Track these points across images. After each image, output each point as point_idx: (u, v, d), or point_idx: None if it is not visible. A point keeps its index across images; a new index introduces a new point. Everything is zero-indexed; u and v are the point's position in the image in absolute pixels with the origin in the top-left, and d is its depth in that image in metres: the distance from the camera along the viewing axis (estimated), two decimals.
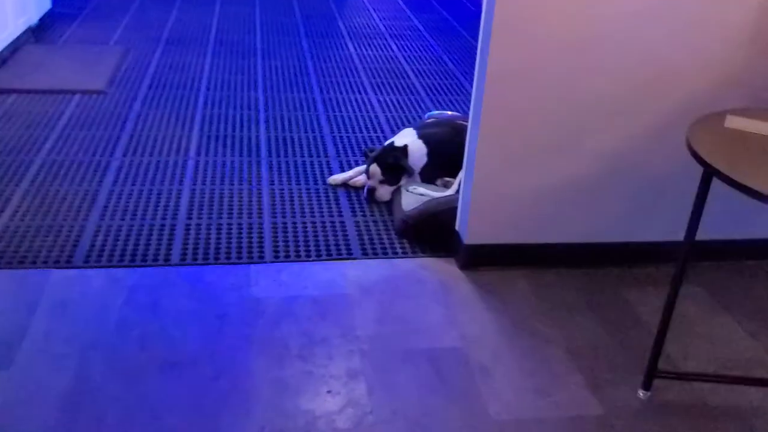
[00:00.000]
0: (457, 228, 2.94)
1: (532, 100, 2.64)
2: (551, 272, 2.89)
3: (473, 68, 5.23)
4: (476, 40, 5.63)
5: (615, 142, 2.74)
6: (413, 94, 4.80)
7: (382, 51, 5.67)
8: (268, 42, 5.66)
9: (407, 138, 3.42)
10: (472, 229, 2.82)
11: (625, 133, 2.73)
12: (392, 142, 3.40)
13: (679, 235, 2.85)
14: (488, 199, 2.78)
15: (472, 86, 4.86)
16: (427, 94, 4.81)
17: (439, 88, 4.95)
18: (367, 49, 5.68)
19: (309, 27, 6.19)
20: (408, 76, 5.16)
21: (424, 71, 5.24)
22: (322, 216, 3.23)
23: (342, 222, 3.19)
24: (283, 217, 3.20)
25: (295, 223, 3.15)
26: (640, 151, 2.77)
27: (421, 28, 6.43)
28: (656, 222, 2.87)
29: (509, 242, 2.85)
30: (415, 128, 3.48)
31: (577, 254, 2.89)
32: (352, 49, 5.64)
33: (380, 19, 6.72)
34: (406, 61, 5.50)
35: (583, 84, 2.62)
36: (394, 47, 5.76)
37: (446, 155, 3.41)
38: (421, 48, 5.82)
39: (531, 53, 2.55)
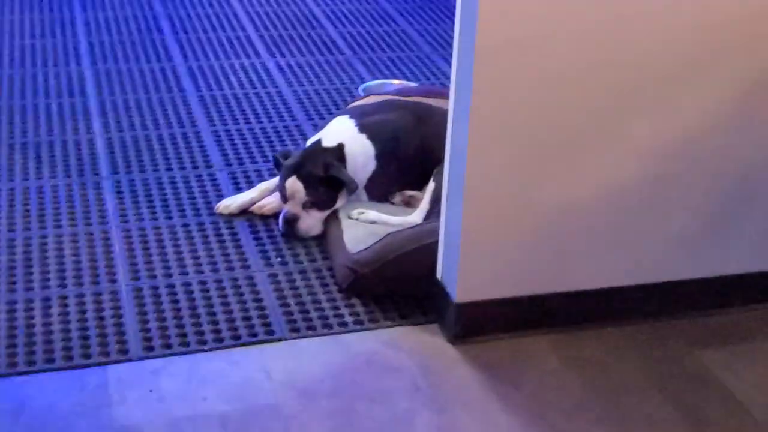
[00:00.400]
0: (439, 277, 2.73)
1: (545, 78, 2.46)
2: (590, 334, 2.72)
3: (444, 31, 5.03)
4: None
5: (670, 129, 2.61)
6: (332, 53, 4.56)
7: (285, 2, 5.41)
8: None
9: (342, 132, 3.18)
10: (465, 279, 2.61)
11: (688, 112, 2.58)
12: (318, 141, 3.16)
13: None
14: (487, 230, 2.58)
15: (429, 48, 4.66)
16: (355, 53, 4.58)
17: (374, 44, 4.72)
18: None
19: None
20: (322, 26, 4.91)
21: (352, 24, 5.00)
22: (216, 270, 2.95)
23: (249, 277, 2.93)
24: (152, 277, 2.91)
25: (171, 285, 2.87)
26: (714, 137, 2.62)
27: None
28: (738, 245, 2.76)
29: (523, 294, 2.67)
30: (352, 116, 3.24)
31: (625, 302, 2.75)
32: None
33: None
34: (326, 17, 5.26)
35: (620, 45, 2.45)
36: None
37: (406, 156, 3.19)
38: None
39: (544, 6, 2.37)
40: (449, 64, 4.48)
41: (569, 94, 2.50)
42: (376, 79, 4.27)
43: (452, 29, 4.93)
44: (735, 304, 2.84)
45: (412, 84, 4.07)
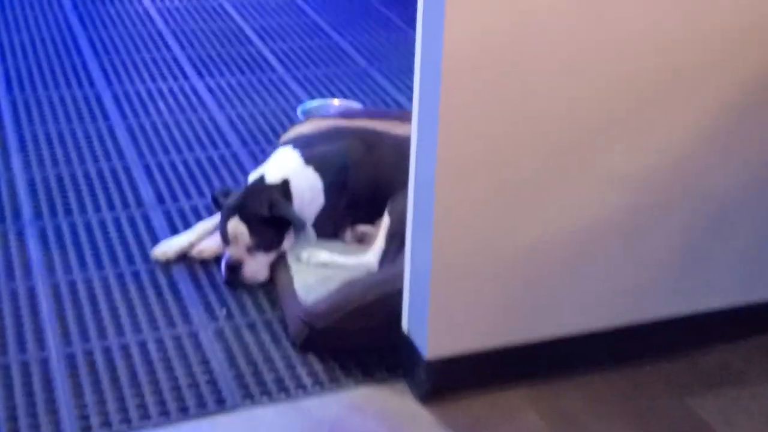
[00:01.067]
0: (405, 330, 2.41)
1: (522, 100, 2.17)
2: (573, 385, 2.44)
3: (379, 43, 4.68)
4: (386, 7, 5.08)
5: (646, 157, 2.36)
6: (264, 71, 4.19)
7: (212, 18, 5.00)
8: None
9: (287, 166, 2.82)
10: (435, 332, 2.31)
11: (663, 139, 2.32)
12: (261, 177, 2.80)
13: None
14: (459, 275, 2.28)
15: (365, 62, 4.31)
16: (288, 70, 4.22)
17: (308, 60, 4.36)
18: (180, 14, 4.99)
19: None
20: (251, 42, 4.53)
21: (283, 39, 4.63)
22: (156, 327, 2.58)
23: (193, 335, 2.56)
24: (85, 340, 2.52)
25: (108, 349, 2.49)
26: (691, 163, 2.37)
27: None
28: (720, 277, 2.52)
29: (498, 345, 2.37)
30: (296, 147, 2.88)
31: (605, 347, 2.48)
32: (154, 13, 4.94)
33: None
34: (240, 14, 4.87)
35: (592, 73, 2.18)
36: (233, 13, 5.10)
37: (356, 189, 2.85)
38: (282, 11, 5.21)
39: (519, 17, 2.08)
40: (388, 79, 4.18)
41: (542, 124, 2.21)
42: (313, 98, 3.91)
43: (387, 41, 4.66)
44: (720, 342, 2.56)
45: (355, 104, 3.72)
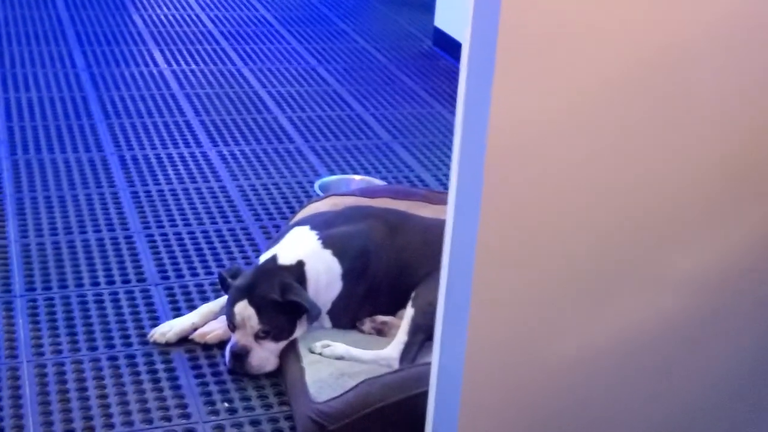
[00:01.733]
0: None
1: (572, 190, 1.93)
2: None
3: (403, 117, 4.49)
4: (411, 79, 4.91)
5: (715, 258, 2.08)
6: (281, 141, 3.98)
7: (214, 62, 4.83)
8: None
9: (303, 247, 2.59)
10: None
11: (735, 236, 2.07)
12: (274, 257, 2.56)
13: None
14: (495, 380, 2.02)
15: (387, 135, 4.12)
16: (306, 141, 4.01)
17: (327, 131, 4.16)
18: (185, 62, 4.82)
19: (84, 27, 5.26)
20: (269, 110, 4.34)
21: (302, 108, 4.44)
22: (149, 420, 2.33)
23: (190, 429, 2.31)
24: None
25: None
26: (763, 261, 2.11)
27: (272, 20, 5.66)
28: None
29: None
30: (313, 227, 2.65)
31: None
32: (160, 61, 4.77)
33: (204, 8, 5.91)
34: (258, 80, 4.69)
35: (657, 159, 1.95)
36: (233, 55, 4.94)
37: (378, 275, 2.62)
38: (279, 56, 5.04)
39: (572, 99, 1.86)
40: (411, 154, 3.97)
41: (594, 216, 1.96)
42: (332, 171, 3.70)
43: (411, 115, 4.47)
44: None
45: (376, 180, 3.50)
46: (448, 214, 2.02)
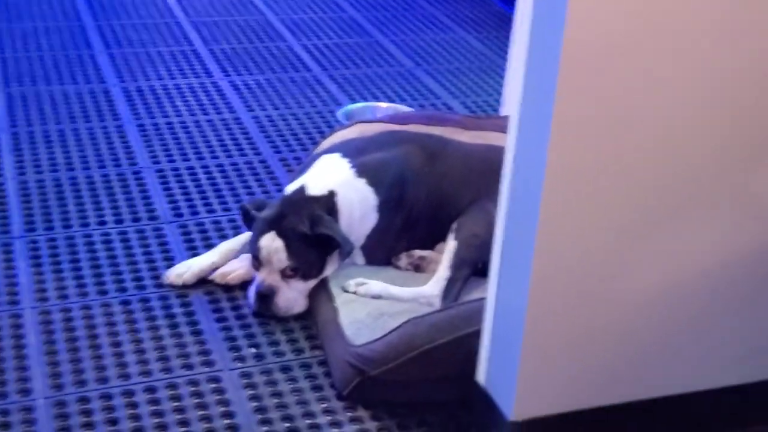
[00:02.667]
0: (482, 382, 1.95)
1: (651, 107, 1.72)
2: None
3: (426, 43, 4.24)
4: (432, 4, 4.66)
5: None
6: (297, 70, 3.75)
7: (237, 11, 4.58)
8: None
9: (334, 176, 2.38)
10: (524, 386, 1.86)
11: None
12: (302, 188, 2.35)
13: None
14: (561, 317, 1.82)
15: (410, 62, 3.87)
16: (324, 69, 3.78)
17: (346, 59, 3.92)
18: (202, 5, 4.58)
19: None
20: (283, 38, 4.10)
21: (318, 36, 4.20)
22: (169, 369, 2.13)
23: (214, 379, 2.11)
24: (79, 383, 2.07)
25: (107, 396, 2.04)
26: None
27: None
28: None
29: (604, 404, 1.90)
30: (345, 154, 2.43)
31: (727, 409, 2.01)
32: (173, 2, 4.53)
33: None
34: (269, 7, 4.45)
35: (739, 68, 1.73)
36: (261, 5, 4.69)
37: (416, 206, 2.40)
38: (315, 5, 4.79)
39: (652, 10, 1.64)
40: (437, 81, 3.73)
41: (673, 136, 1.75)
42: (354, 100, 3.47)
43: (434, 41, 4.22)
44: None
45: (404, 107, 3.27)
46: (509, 135, 1.80)
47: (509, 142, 1.79)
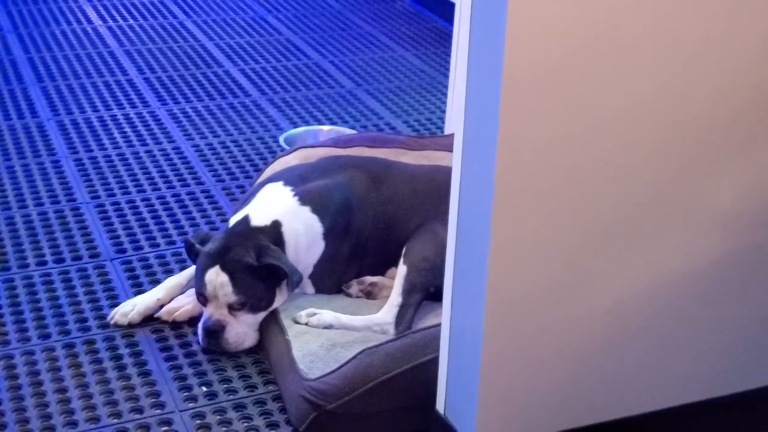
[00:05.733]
0: (441, 411, 1.92)
1: (601, 120, 1.70)
2: None
3: (364, 62, 4.22)
4: (368, 23, 4.63)
5: (758, 192, 1.87)
6: (236, 95, 3.70)
7: (153, 16, 4.51)
8: None
9: (277, 205, 2.33)
10: (485, 413, 1.83)
11: None
12: (246, 218, 2.30)
13: None
14: (520, 337, 1.79)
15: (350, 83, 3.85)
16: (263, 93, 3.73)
17: (285, 82, 3.88)
18: (121, 17, 4.50)
19: None
20: (219, 63, 4.04)
21: (255, 60, 4.15)
22: (118, 414, 2.07)
23: (166, 422, 2.04)
24: None
25: None
26: None
27: None
28: None
29: (569, 428, 1.87)
30: (287, 182, 2.39)
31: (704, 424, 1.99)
32: (94, 17, 4.45)
33: None
34: (204, 33, 4.39)
35: (693, 75, 1.74)
36: (173, 7, 4.63)
37: (363, 231, 2.37)
38: (224, 6, 4.73)
39: (599, 16, 1.62)
40: (378, 100, 3.70)
41: (625, 151, 1.73)
42: (295, 124, 3.43)
43: (373, 60, 4.18)
44: None
45: (347, 130, 3.23)
46: (455, 156, 1.77)
47: (455, 162, 1.76)
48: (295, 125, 3.41)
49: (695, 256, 1.86)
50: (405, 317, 2.21)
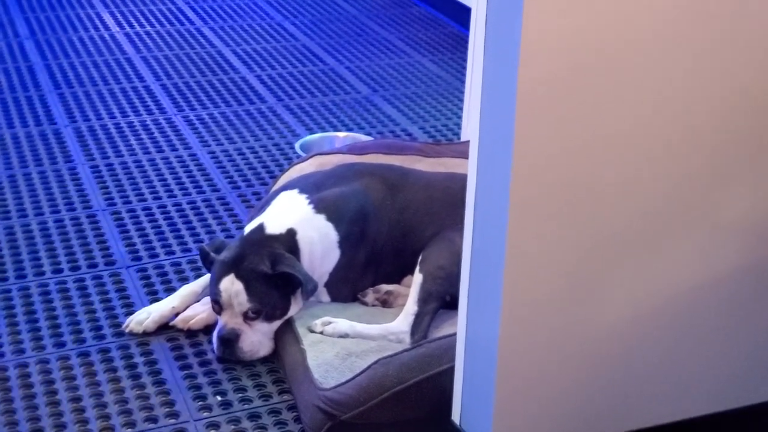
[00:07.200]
0: (457, 421, 1.90)
1: (616, 133, 1.68)
2: None
3: (381, 68, 4.21)
4: (385, 29, 4.62)
5: None
6: (252, 102, 3.69)
7: (170, 22, 4.52)
8: None
9: (292, 213, 2.32)
10: (501, 423, 1.80)
11: None
12: (261, 226, 2.28)
13: None
14: (536, 349, 1.77)
15: (366, 89, 3.84)
16: (279, 100, 3.72)
17: (301, 88, 3.87)
18: (138, 24, 4.50)
19: None
20: (236, 69, 4.04)
21: (272, 66, 4.14)
22: (132, 423, 2.05)
23: (180, 430, 2.04)
24: None
25: None
26: None
27: None
28: None
29: None
30: (302, 190, 2.38)
31: None
32: (111, 24, 4.45)
33: None
34: (220, 39, 4.39)
35: (710, 87, 1.71)
36: (189, 13, 4.63)
37: (379, 240, 2.35)
38: (241, 12, 4.73)
39: (615, 23, 1.60)
40: (394, 106, 3.68)
41: (641, 162, 1.71)
42: (312, 130, 3.41)
43: (389, 66, 4.17)
44: None
45: (362, 136, 3.22)
46: (471, 164, 1.75)
47: (470, 170, 1.75)
48: (311, 131, 3.40)
49: (710, 266, 1.83)
50: (421, 326, 2.19)
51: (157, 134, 3.39)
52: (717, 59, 1.69)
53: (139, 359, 2.25)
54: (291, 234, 2.27)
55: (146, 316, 2.34)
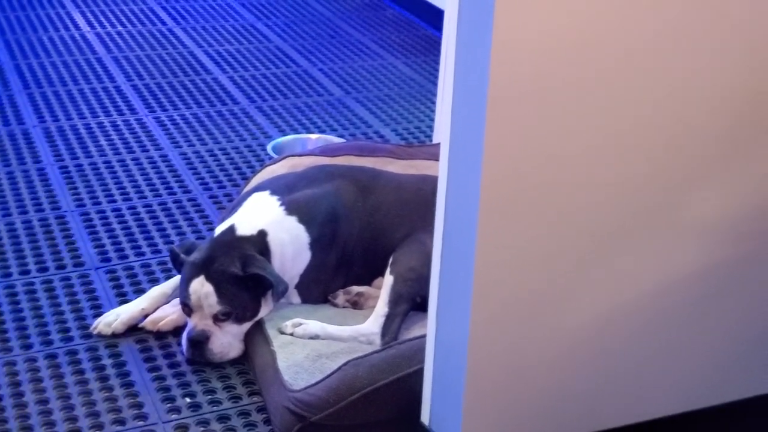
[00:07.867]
0: (426, 422, 1.90)
1: (587, 132, 1.69)
2: None
3: (353, 70, 4.20)
4: (358, 30, 4.62)
5: (741, 200, 1.86)
6: (225, 103, 3.68)
7: (141, 23, 4.50)
8: None
9: (263, 214, 2.32)
10: (471, 424, 1.79)
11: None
12: (231, 228, 2.28)
13: None
14: (506, 348, 1.78)
15: (339, 90, 3.84)
16: (252, 101, 3.71)
17: (274, 90, 3.86)
18: (109, 24, 4.48)
19: None
20: (208, 71, 4.03)
21: (244, 68, 4.13)
22: (100, 426, 2.04)
23: None
24: None
25: None
26: None
27: None
28: None
29: None
30: (273, 191, 2.37)
31: None
32: (82, 23, 4.43)
33: None
34: (192, 40, 4.37)
35: (679, 90, 1.73)
36: (161, 13, 4.61)
37: (349, 242, 2.35)
38: (213, 13, 4.72)
39: (585, 24, 1.61)
40: (367, 108, 3.69)
41: (611, 164, 1.72)
42: (284, 132, 3.41)
43: (362, 68, 4.17)
44: None
45: (335, 139, 3.22)
46: (441, 166, 1.75)
47: (441, 172, 1.75)
48: (284, 133, 3.39)
49: (684, 265, 1.85)
50: (391, 328, 2.19)
51: (127, 135, 3.37)
52: (688, 61, 1.70)
53: (107, 361, 2.23)
54: (262, 235, 2.27)
55: (115, 317, 2.33)
